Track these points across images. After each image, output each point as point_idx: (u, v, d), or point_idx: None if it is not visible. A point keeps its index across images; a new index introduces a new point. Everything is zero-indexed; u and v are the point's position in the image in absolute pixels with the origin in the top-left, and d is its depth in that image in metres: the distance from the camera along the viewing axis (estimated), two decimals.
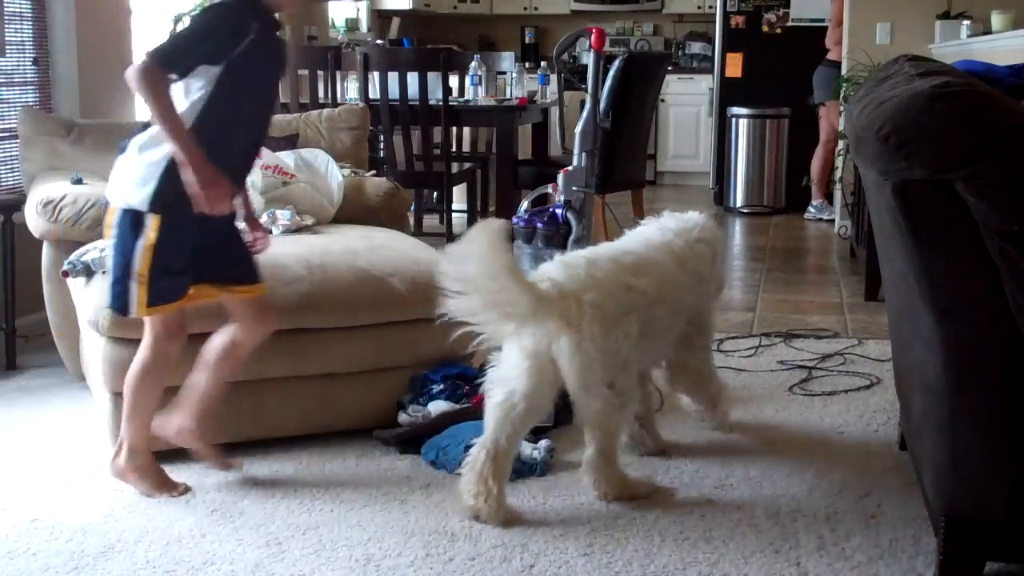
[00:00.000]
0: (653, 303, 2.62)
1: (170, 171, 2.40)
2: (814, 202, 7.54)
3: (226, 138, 2.48)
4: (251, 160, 2.68)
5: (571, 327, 2.42)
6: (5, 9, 4.13)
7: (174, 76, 2.40)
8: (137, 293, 2.45)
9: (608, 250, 2.70)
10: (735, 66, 8.17)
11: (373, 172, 4.16)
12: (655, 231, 2.84)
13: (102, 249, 2.94)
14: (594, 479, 2.61)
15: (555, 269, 2.54)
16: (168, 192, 2.40)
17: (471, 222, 6.29)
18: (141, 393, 2.59)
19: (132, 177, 2.45)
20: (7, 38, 4.14)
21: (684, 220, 2.90)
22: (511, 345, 2.48)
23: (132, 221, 2.44)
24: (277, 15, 2.57)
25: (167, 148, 2.39)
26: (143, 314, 2.49)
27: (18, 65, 4.27)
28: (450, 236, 5.69)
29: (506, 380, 2.47)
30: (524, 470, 2.77)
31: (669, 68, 7.48)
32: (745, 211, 7.92)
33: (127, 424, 2.62)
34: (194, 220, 2.44)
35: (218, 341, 2.67)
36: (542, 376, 2.45)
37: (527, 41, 10.42)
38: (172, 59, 2.39)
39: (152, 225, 2.42)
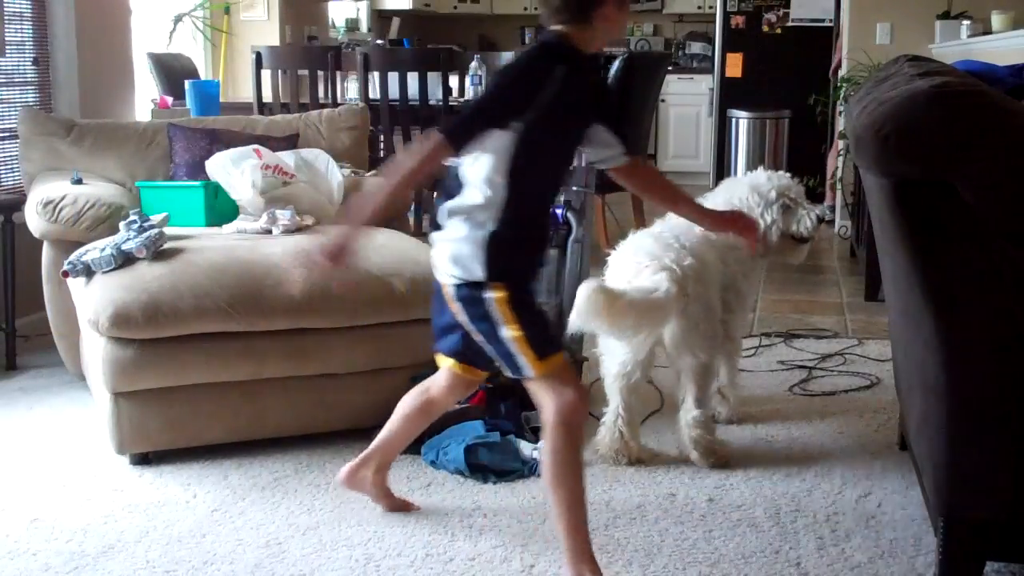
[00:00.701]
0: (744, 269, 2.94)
1: (493, 240, 2.13)
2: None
3: (531, 213, 2.23)
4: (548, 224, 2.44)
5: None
6: (5, 9, 4.13)
7: (458, 153, 2.10)
8: (523, 351, 2.14)
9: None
10: (735, 66, 8.17)
11: (373, 172, 4.16)
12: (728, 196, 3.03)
13: (102, 248, 2.95)
14: (696, 435, 2.83)
15: (650, 247, 2.76)
16: (499, 259, 2.14)
17: None
18: (574, 484, 2.19)
19: (458, 253, 2.15)
20: (7, 38, 4.14)
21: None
22: None
23: (474, 288, 2.16)
24: (595, 52, 2.20)
25: (483, 217, 2.13)
26: (540, 371, 2.15)
27: (18, 65, 4.27)
28: None
29: (616, 351, 2.78)
30: (524, 470, 2.77)
31: (669, 68, 7.49)
32: None
33: (572, 542, 2.17)
34: (527, 283, 2.23)
35: (416, 399, 2.50)
36: (648, 343, 2.75)
37: (527, 41, 10.42)
38: (458, 132, 2.09)
39: (494, 286, 2.15)
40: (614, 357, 2.82)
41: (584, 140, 2.27)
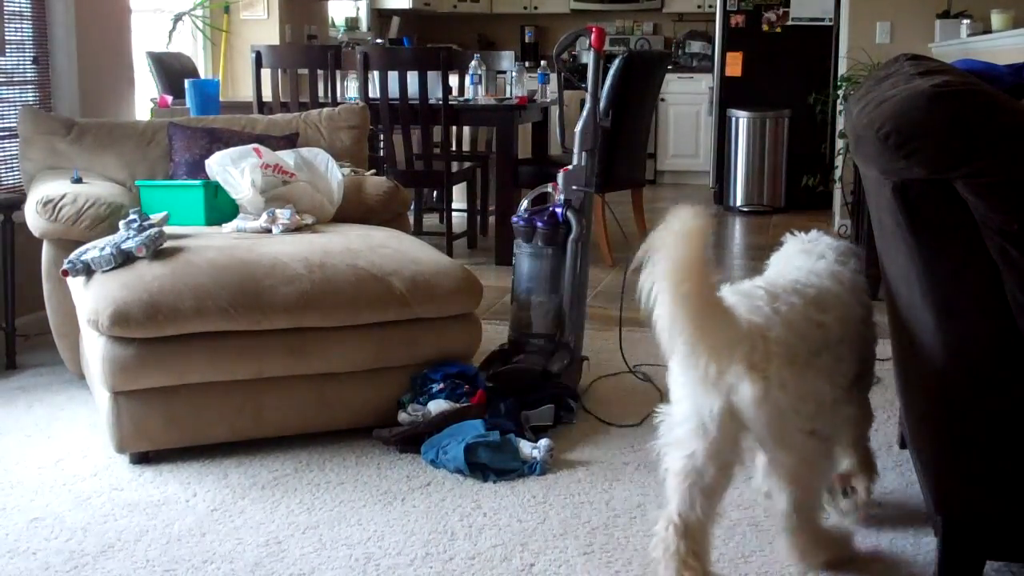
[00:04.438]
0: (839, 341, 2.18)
1: None
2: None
3: None
4: None
5: (755, 370, 1.99)
6: (5, 9, 4.12)
7: None
8: None
9: (784, 281, 2.22)
10: (735, 65, 8.17)
11: (373, 171, 4.16)
12: (806, 256, 2.39)
13: (102, 247, 2.94)
14: (793, 544, 2.20)
15: (732, 300, 2.07)
16: None
17: (471, 221, 6.30)
18: None
19: None
20: (7, 37, 4.14)
21: (833, 245, 2.44)
22: (683, 397, 2.07)
23: None
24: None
25: None
26: None
27: (18, 64, 4.27)
28: (450, 235, 5.69)
29: (683, 441, 2.07)
30: (524, 469, 2.77)
31: (669, 67, 7.49)
32: (745, 210, 7.93)
33: None
34: None
35: None
36: (726, 431, 2.04)
37: (527, 40, 10.42)
38: None
39: None
40: (680, 447, 2.09)
41: None
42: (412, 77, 5.39)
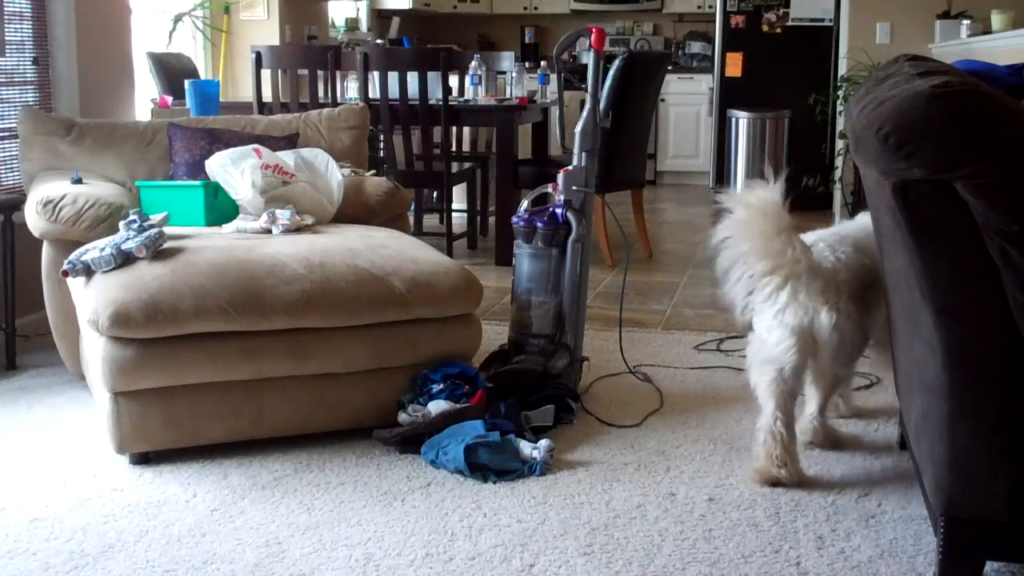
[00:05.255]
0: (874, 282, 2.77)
1: None
2: None
3: None
4: None
5: (829, 304, 2.64)
6: (5, 9, 4.12)
7: None
8: None
9: (828, 234, 2.91)
10: (735, 66, 8.18)
11: (373, 171, 4.16)
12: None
13: (102, 248, 2.94)
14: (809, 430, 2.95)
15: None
16: None
17: (471, 222, 6.30)
18: None
19: None
20: (7, 38, 4.14)
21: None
22: (774, 323, 2.69)
23: None
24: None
25: None
26: None
27: (18, 65, 4.27)
28: (450, 235, 5.69)
29: (775, 359, 2.70)
30: (524, 470, 2.77)
31: (669, 68, 7.50)
32: None
33: None
34: None
35: None
36: (806, 351, 2.69)
37: (527, 41, 10.42)
38: None
39: None
40: (770, 365, 2.72)
41: None
42: (412, 77, 5.39)
